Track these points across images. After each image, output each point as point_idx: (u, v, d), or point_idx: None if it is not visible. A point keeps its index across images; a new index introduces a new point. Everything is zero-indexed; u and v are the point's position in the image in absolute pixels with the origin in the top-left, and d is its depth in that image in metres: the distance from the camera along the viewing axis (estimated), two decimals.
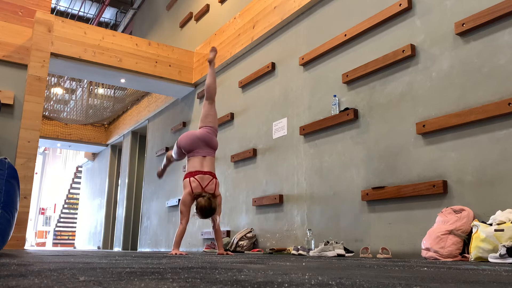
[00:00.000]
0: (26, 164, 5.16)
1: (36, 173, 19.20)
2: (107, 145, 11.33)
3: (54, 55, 5.89)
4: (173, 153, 4.18)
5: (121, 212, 9.64)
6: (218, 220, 3.87)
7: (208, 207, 3.64)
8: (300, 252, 3.76)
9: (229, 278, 1.11)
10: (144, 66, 6.61)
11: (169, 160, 4.40)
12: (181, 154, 4.07)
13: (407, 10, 3.66)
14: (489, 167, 2.90)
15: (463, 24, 3.17)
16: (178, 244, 3.74)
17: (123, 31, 12.26)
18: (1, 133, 5.42)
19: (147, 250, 7.86)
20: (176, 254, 3.56)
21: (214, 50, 4.40)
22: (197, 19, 7.56)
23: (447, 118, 3.15)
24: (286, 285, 0.94)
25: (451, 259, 2.77)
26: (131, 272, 1.28)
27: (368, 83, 3.94)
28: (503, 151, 2.84)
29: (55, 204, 18.88)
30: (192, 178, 3.79)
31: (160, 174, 4.61)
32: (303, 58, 4.72)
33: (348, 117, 3.99)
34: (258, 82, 5.55)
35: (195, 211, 3.72)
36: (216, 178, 3.88)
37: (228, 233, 5.53)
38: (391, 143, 3.61)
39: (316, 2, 4.73)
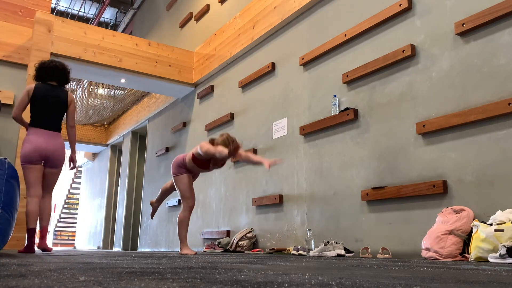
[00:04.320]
0: None
1: None
2: (107, 145, 11.33)
3: (54, 55, 5.88)
4: (185, 197, 4.06)
5: (121, 212, 9.64)
6: (244, 152, 3.93)
7: (230, 138, 3.67)
8: (300, 252, 3.76)
9: (229, 278, 1.11)
10: (144, 66, 6.61)
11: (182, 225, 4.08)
12: (189, 181, 4.04)
13: (407, 10, 3.66)
14: (489, 167, 2.90)
15: (463, 24, 3.17)
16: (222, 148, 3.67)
17: (123, 31, 12.26)
18: (1, 133, 5.42)
19: (147, 250, 7.86)
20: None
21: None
22: (197, 19, 7.56)
23: (447, 118, 3.15)
24: (286, 285, 0.94)
25: (451, 259, 2.77)
26: (131, 272, 1.28)
27: (368, 83, 3.94)
28: (503, 151, 2.84)
29: (55, 204, 18.84)
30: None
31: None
32: (303, 58, 4.72)
33: (348, 117, 3.99)
34: (258, 82, 5.55)
35: (221, 155, 3.61)
36: None
37: (228, 233, 5.53)
38: (391, 143, 3.61)
39: (316, 2, 4.73)
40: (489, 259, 2.41)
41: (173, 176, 4.00)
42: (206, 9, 7.25)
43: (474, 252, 2.58)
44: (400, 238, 3.39)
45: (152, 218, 4.48)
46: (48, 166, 3.77)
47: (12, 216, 3.22)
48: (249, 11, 5.85)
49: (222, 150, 3.58)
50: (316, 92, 4.54)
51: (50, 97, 3.74)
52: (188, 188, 3.96)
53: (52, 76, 3.83)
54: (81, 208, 13.59)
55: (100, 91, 10.23)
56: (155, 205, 4.39)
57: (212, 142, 3.78)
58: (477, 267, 1.85)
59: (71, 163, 4.11)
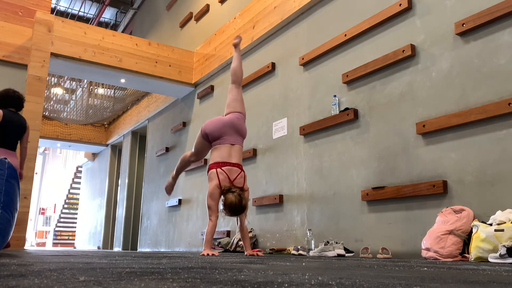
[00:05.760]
0: (26, 164, 5.16)
1: (36, 173, 19.19)
2: (107, 145, 11.33)
3: (54, 55, 5.89)
4: (193, 148, 3.75)
5: (121, 212, 9.64)
6: (245, 219, 3.58)
7: (238, 204, 3.33)
8: (300, 252, 3.76)
9: (229, 278, 1.11)
10: (144, 66, 6.61)
11: (182, 166, 3.94)
12: (205, 147, 3.69)
13: (407, 10, 3.66)
14: (489, 167, 2.90)
15: (463, 24, 3.17)
16: (209, 243, 3.40)
17: (123, 31, 12.26)
18: None
19: (147, 250, 7.86)
20: (208, 255, 3.23)
21: (238, 37, 4.09)
22: (197, 19, 7.56)
23: (447, 118, 3.15)
24: (286, 285, 0.94)
25: (451, 259, 2.77)
26: (131, 272, 1.28)
27: (368, 83, 3.94)
28: (503, 151, 2.83)
29: (55, 204, 18.87)
30: (219, 170, 3.45)
31: (170, 189, 4.08)
32: (303, 58, 4.72)
33: (348, 117, 3.99)
34: (258, 82, 5.54)
35: (221, 208, 3.41)
36: (244, 171, 3.57)
37: (228, 233, 5.53)
38: (391, 143, 3.61)
39: (316, 2, 4.73)
40: (489, 259, 2.40)
41: (200, 133, 3.74)
42: (206, 9, 7.25)
43: (474, 252, 2.58)
44: (400, 238, 3.39)
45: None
46: None
47: (12, 216, 3.22)
48: (249, 11, 5.85)
49: (204, 243, 3.41)
50: (316, 92, 4.54)
51: (15, 122, 4.41)
52: (196, 144, 3.74)
53: (15, 104, 4.47)
54: (81, 208, 13.59)
55: (100, 91, 10.23)
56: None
57: (225, 191, 3.42)
58: (477, 267, 1.85)
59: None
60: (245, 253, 3.62)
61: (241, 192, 3.40)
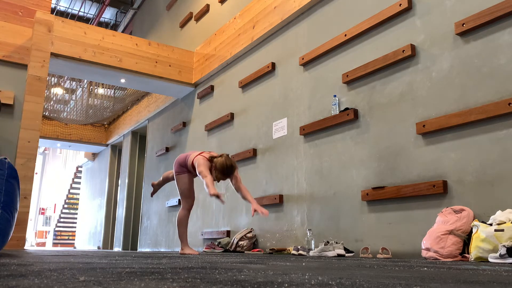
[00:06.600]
0: (26, 164, 5.16)
1: (36, 173, 19.20)
2: (107, 145, 11.33)
3: (54, 55, 5.89)
4: (181, 195, 4.06)
5: (121, 212, 9.64)
6: (239, 177, 3.84)
7: (228, 163, 3.66)
8: (300, 252, 3.76)
9: (229, 278, 1.11)
10: (144, 66, 6.61)
11: (182, 225, 4.05)
12: (188, 180, 4.00)
13: (407, 10, 3.66)
14: (489, 167, 2.90)
15: (463, 24, 3.17)
16: (212, 183, 3.57)
17: (123, 31, 12.26)
18: (1, 133, 5.42)
19: (147, 250, 7.86)
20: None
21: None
22: (197, 19, 7.56)
23: (447, 118, 3.15)
24: (286, 285, 0.94)
25: (451, 259, 2.77)
26: (131, 272, 1.28)
27: (368, 83, 3.94)
28: (503, 151, 2.84)
29: (55, 204, 18.87)
30: (202, 154, 3.82)
31: (189, 251, 4.04)
32: (303, 58, 4.72)
33: (348, 117, 3.99)
34: (258, 82, 5.54)
35: (214, 175, 3.67)
36: None
37: (228, 233, 5.53)
38: (391, 143, 3.61)
39: (316, 2, 4.73)
40: (489, 259, 2.40)
41: (175, 175, 4.02)
42: (206, 9, 7.25)
43: (474, 252, 2.58)
44: (400, 238, 3.39)
45: (151, 196, 4.61)
46: None
47: (12, 216, 3.22)
48: (249, 11, 5.85)
49: (208, 187, 3.51)
50: (316, 92, 4.54)
51: None
52: (187, 188, 3.96)
53: None
54: (81, 208, 13.59)
55: (100, 91, 10.23)
56: (156, 187, 4.50)
57: (211, 160, 3.75)
58: (477, 267, 1.85)
59: None
60: (252, 208, 3.67)
61: (227, 154, 3.77)
